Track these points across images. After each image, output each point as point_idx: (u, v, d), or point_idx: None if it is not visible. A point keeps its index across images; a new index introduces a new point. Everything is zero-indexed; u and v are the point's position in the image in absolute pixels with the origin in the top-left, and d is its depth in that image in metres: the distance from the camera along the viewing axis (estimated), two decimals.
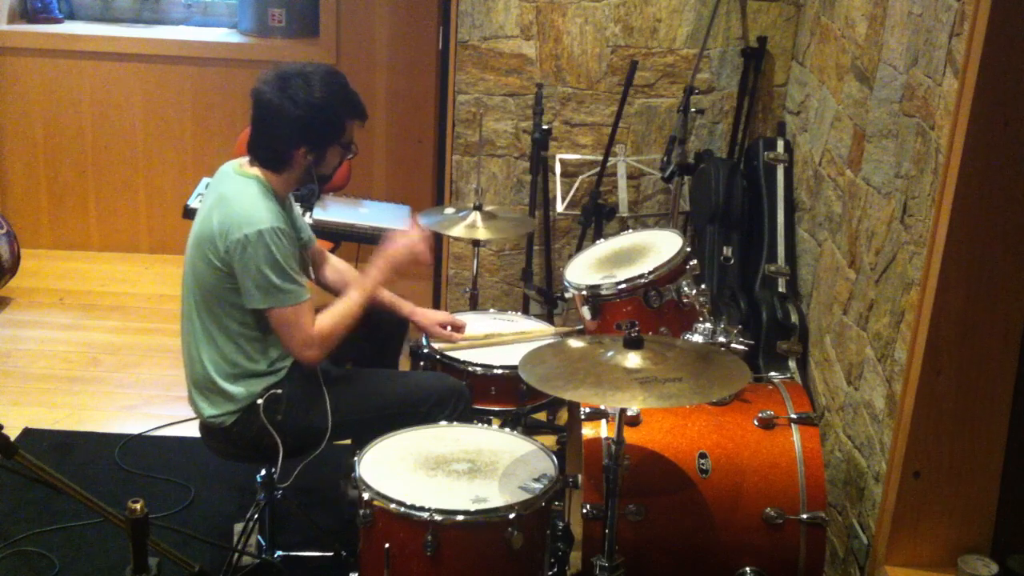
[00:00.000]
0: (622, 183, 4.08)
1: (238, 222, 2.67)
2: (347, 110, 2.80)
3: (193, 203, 4.15)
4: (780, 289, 3.73)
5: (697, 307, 2.95)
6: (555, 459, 2.54)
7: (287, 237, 2.71)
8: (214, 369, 2.77)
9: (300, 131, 2.73)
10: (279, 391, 2.78)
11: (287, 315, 2.71)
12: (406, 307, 3.18)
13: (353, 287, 2.90)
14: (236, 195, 2.74)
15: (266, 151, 2.78)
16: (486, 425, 2.82)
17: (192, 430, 3.09)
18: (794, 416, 2.63)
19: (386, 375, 2.99)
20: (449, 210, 3.63)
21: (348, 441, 2.95)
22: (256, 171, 2.78)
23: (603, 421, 2.61)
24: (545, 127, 3.97)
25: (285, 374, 2.81)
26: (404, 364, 3.37)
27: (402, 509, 2.33)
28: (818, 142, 3.57)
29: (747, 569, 2.53)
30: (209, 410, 2.80)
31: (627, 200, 4.09)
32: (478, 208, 3.53)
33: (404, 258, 2.93)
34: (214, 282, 2.73)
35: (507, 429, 2.79)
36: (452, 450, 2.58)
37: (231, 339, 2.76)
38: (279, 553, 3.02)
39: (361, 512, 2.39)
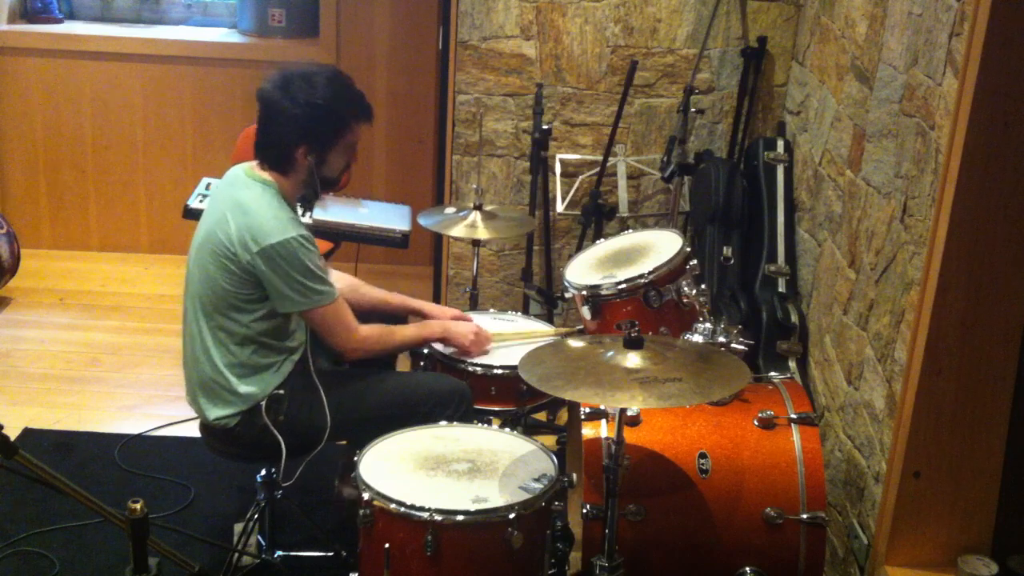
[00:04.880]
0: (622, 183, 4.08)
1: (263, 232, 2.69)
2: (351, 110, 2.80)
3: (193, 203, 4.14)
4: (780, 289, 3.73)
5: (697, 307, 2.95)
6: (555, 459, 2.54)
7: (312, 242, 2.75)
8: (228, 370, 2.77)
9: (300, 130, 2.74)
10: (281, 391, 2.79)
11: (327, 314, 2.78)
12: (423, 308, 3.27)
13: (416, 326, 3.09)
14: (255, 203, 2.75)
15: (271, 151, 2.80)
16: (486, 425, 2.82)
17: (192, 430, 3.09)
18: (794, 416, 2.63)
19: (387, 375, 3.00)
20: (449, 210, 3.63)
21: (344, 441, 2.96)
22: (267, 175, 2.80)
23: (603, 421, 2.61)
24: (545, 127, 3.97)
25: (288, 374, 2.82)
26: (404, 364, 3.36)
27: (402, 509, 2.33)
28: (818, 142, 3.58)
29: (747, 569, 2.53)
30: (215, 412, 2.80)
31: (627, 200, 4.09)
32: (478, 208, 3.53)
33: (459, 340, 3.08)
34: (229, 288, 2.74)
35: (507, 429, 2.79)
36: (452, 450, 2.58)
37: (242, 340, 2.77)
38: (279, 553, 3.02)
39: (361, 512, 2.39)
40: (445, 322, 3.12)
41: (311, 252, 2.73)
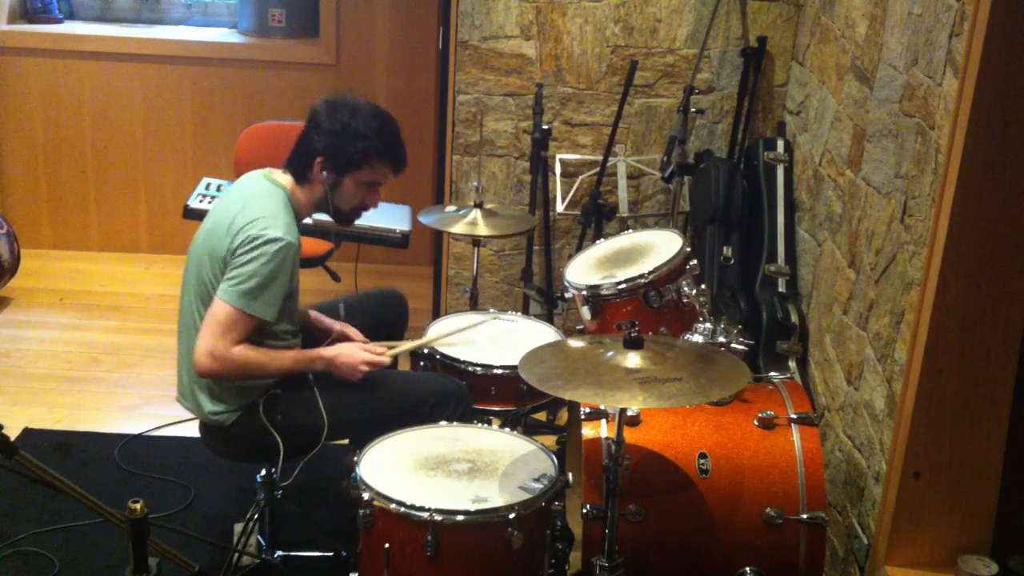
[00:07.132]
0: (622, 183, 4.08)
1: (260, 221, 2.70)
2: (379, 147, 2.84)
3: (193, 203, 4.15)
4: (780, 289, 3.73)
5: (697, 307, 2.96)
6: (555, 459, 2.54)
7: (297, 258, 2.74)
8: None
9: (325, 143, 2.81)
10: (279, 391, 2.79)
11: (230, 317, 2.66)
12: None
13: (296, 352, 2.83)
14: (262, 196, 2.79)
15: (295, 155, 2.86)
16: (486, 425, 2.82)
17: (192, 430, 3.09)
18: (794, 416, 2.63)
19: (387, 375, 3.00)
20: (450, 208, 3.63)
21: (346, 441, 2.96)
22: (284, 180, 2.85)
23: (603, 421, 2.61)
24: (545, 127, 3.97)
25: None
26: (404, 364, 3.36)
27: (402, 509, 2.33)
28: (818, 142, 3.58)
29: (747, 569, 2.53)
30: (210, 406, 2.80)
31: (627, 200, 4.09)
32: (479, 206, 3.53)
33: (345, 372, 2.84)
34: (215, 279, 2.74)
35: (507, 429, 2.79)
36: (452, 450, 2.58)
37: None
38: (279, 553, 3.02)
39: (361, 512, 2.39)
40: (331, 358, 2.84)
41: (289, 268, 2.71)
